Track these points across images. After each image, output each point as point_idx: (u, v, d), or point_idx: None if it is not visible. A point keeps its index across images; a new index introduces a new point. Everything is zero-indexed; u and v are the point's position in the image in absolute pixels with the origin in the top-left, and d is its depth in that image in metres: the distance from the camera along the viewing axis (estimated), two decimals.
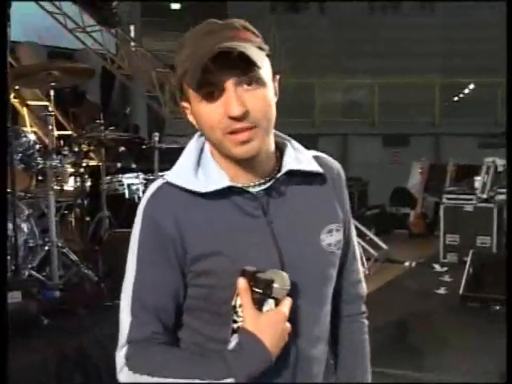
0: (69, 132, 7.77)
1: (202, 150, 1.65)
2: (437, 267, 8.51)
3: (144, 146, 5.93)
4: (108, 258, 4.90)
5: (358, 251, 1.87)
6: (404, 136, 17.57)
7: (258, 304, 1.50)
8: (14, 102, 7.85)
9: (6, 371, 2.32)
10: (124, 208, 5.67)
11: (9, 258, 4.74)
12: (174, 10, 17.79)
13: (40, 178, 5.22)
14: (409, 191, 12.18)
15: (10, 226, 4.74)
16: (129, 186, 5.80)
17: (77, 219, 5.62)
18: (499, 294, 6.37)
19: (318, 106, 18.45)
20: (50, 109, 5.10)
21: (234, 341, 1.51)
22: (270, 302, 1.50)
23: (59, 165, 5.13)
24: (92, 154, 5.64)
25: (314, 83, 18.05)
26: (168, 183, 1.60)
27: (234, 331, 1.52)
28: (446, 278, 7.88)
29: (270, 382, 1.58)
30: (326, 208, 1.69)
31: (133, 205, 5.52)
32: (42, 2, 10.36)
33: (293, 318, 1.56)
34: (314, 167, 1.67)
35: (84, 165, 5.38)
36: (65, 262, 5.12)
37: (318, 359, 1.69)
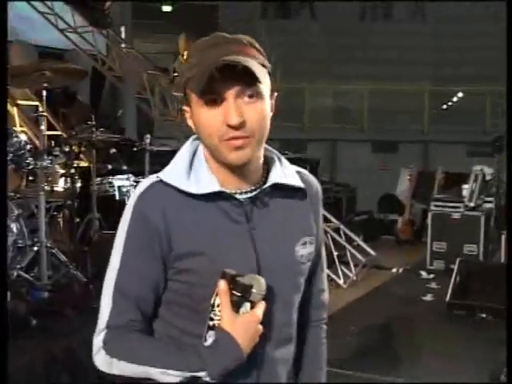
0: (58, 132, 7.74)
1: (194, 154, 1.73)
2: (423, 274, 8.54)
3: (135, 148, 5.94)
4: (97, 259, 4.90)
5: (325, 263, 1.97)
6: (393, 143, 17.64)
7: (236, 306, 1.59)
8: None
9: (6, 370, 2.32)
10: (114, 210, 5.66)
11: None
12: (165, 12, 17.75)
13: (30, 178, 5.21)
14: (397, 198, 12.22)
15: None
16: (119, 187, 5.80)
17: (66, 220, 5.60)
18: (485, 302, 6.41)
19: (308, 111, 18.50)
20: (41, 109, 5.10)
21: (209, 337, 1.60)
22: (247, 305, 1.60)
23: (50, 165, 5.13)
24: (82, 156, 5.62)
25: (304, 88, 18.09)
26: (161, 182, 1.68)
27: (210, 328, 1.61)
28: (433, 285, 7.91)
29: (236, 381, 1.67)
30: (303, 221, 1.81)
31: (123, 207, 5.49)
32: (33, 2, 10.33)
33: (265, 320, 1.64)
34: (298, 182, 1.78)
35: (75, 166, 5.37)
36: (53, 262, 5.11)
37: (282, 360, 1.79)
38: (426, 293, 7.50)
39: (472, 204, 8.81)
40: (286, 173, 1.76)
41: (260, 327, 1.62)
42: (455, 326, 6.41)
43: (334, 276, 8.05)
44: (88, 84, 11.71)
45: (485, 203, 9.01)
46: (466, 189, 8.95)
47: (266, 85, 1.66)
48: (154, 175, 1.73)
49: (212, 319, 1.61)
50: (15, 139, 5.15)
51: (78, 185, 5.48)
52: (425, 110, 18.01)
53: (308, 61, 19.15)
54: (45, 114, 5.03)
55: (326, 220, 8.78)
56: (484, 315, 6.46)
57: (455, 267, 7.01)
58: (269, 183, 1.72)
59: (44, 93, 5.01)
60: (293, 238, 1.76)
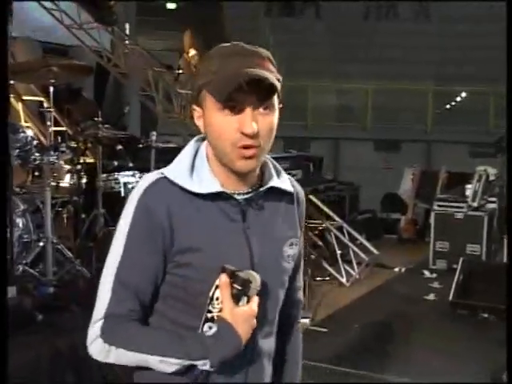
0: (63, 128, 7.74)
1: (196, 154, 1.82)
2: (426, 273, 8.55)
3: (141, 145, 5.95)
4: (102, 255, 4.90)
5: (302, 263, 2.09)
6: (396, 142, 17.63)
7: (235, 299, 1.68)
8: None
9: (6, 367, 2.33)
10: (119, 206, 5.65)
11: None
12: (170, 9, 17.74)
13: (36, 173, 5.23)
14: (399, 197, 12.23)
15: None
16: (125, 184, 5.79)
17: (71, 216, 5.61)
18: (488, 302, 6.42)
19: (311, 109, 18.50)
20: (46, 105, 5.12)
21: (207, 328, 1.68)
22: (244, 299, 1.68)
23: (56, 161, 5.14)
24: (88, 152, 5.63)
25: (308, 86, 18.08)
26: (165, 178, 1.75)
27: (207, 320, 1.69)
28: (436, 285, 7.91)
29: (228, 373, 1.76)
30: (291, 224, 1.92)
31: None
32: None
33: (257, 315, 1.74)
34: (290, 187, 1.92)
35: (81, 162, 5.38)
36: (58, 258, 5.13)
37: (267, 354, 1.89)
38: (428, 292, 7.51)
39: (475, 204, 8.82)
40: (280, 177, 1.89)
41: (255, 321, 1.71)
42: (458, 325, 6.43)
43: (336, 275, 8.07)
44: (92, 80, 11.71)
45: (488, 203, 9.01)
46: (469, 189, 8.96)
47: (276, 98, 1.75)
48: (158, 171, 1.80)
49: (210, 311, 1.68)
50: (22, 134, 5.17)
51: (84, 181, 5.50)
52: (428, 110, 18.00)
53: (312, 59, 19.13)
54: (51, 109, 5.04)
55: (329, 218, 8.80)
56: (486, 315, 6.47)
57: (458, 267, 7.02)
58: (266, 186, 1.83)
59: (51, 89, 5.03)
60: (282, 238, 1.87)
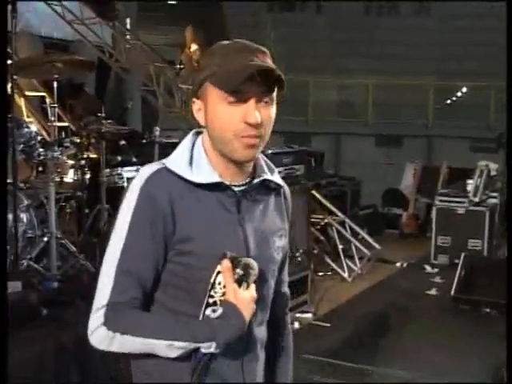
0: (66, 124, 7.76)
1: (193, 148, 1.85)
2: (428, 268, 8.57)
3: (144, 140, 5.96)
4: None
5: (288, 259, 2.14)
6: (397, 137, 17.63)
7: (237, 283, 1.72)
8: (10, 92, 7.82)
9: (6, 363, 2.34)
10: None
11: (8, 247, 4.77)
12: (171, 5, 17.73)
13: (40, 169, 5.24)
14: (401, 192, 12.24)
15: (10, 216, 4.77)
16: (128, 179, 5.79)
17: (75, 211, 5.63)
18: (490, 297, 6.44)
19: (312, 104, 18.49)
20: (48, 100, 5.13)
21: (210, 312, 1.71)
22: (244, 285, 1.73)
23: (60, 156, 5.15)
24: (92, 147, 5.64)
25: (309, 81, 18.07)
26: (165, 169, 1.79)
27: (209, 305, 1.73)
28: (437, 280, 7.93)
29: (224, 359, 1.79)
30: (279, 216, 2.00)
31: None
32: None
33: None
34: (280, 181, 2.00)
35: (85, 157, 5.39)
36: (62, 253, 5.15)
37: (261, 341, 1.94)
38: (430, 287, 7.53)
39: (477, 199, 8.83)
40: (271, 171, 1.96)
41: (254, 306, 1.76)
42: (459, 320, 6.44)
43: (339, 269, 8.09)
44: (93, 75, 11.71)
45: (489, 198, 9.02)
46: (470, 184, 8.96)
47: (279, 91, 1.82)
48: (158, 162, 1.84)
49: (212, 296, 1.73)
50: (26, 130, 5.18)
51: (88, 176, 5.51)
52: (429, 105, 17.99)
53: (313, 55, 19.13)
54: (56, 105, 5.06)
55: (331, 213, 8.81)
56: (488, 310, 6.49)
57: (460, 262, 7.03)
58: (260, 178, 1.90)
59: (55, 84, 5.04)
60: (272, 229, 1.94)
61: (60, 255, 5.06)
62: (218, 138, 1.78)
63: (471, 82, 17.84)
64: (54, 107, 5.07)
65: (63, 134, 5.57)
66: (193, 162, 1.81)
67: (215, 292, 1.73)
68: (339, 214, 8.92)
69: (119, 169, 5.95)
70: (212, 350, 1.69)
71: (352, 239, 8.58)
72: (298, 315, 6.36)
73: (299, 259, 6.48)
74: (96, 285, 1.78)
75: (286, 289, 2.17)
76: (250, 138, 1.75)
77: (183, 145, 1.86)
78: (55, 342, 3.90)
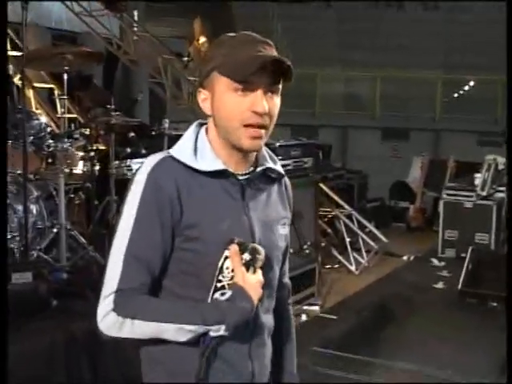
0: (74, 115, 7.77)
1: (197, 138, 1.89)
2: (435, 262, 8.56)
3: (153, 132, 5.97)
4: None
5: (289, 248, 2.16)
6: (404, 130, 17.60)
7: (245, 267, 1.76)
8: (19, 83, 7.85)
9: (6, 357, 2.35)
10: None
11: (18, 238, 4.80)
12: None
13: (50, 160, 5.25)
14: (408, 185, 12.24)
15: (21, 207, 4.80)
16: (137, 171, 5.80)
17: (84, 202, 5.64)
18: (497, 291, 6.43)
19: (319, 97, 18.47)
20: (57, 92, 5.14)
21: (219, 296, 1.74)
22: (251, 270, 1.77)
23: (70, 148, 5.17)
24: (101, 139, 5.65)
25: (316, 74, 18.04)
26: (170, 157, 1.83)
27: (217, 289, 1.75)
28: (444, 273, 7.93)
29: (232, 344, 1.81)
30: (282, 205, 2.04)
31: None
32: None
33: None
34: (282, 170, 2.03)
35: (94, 149, 5.40)
36: (71, 244, 5.17)
37: (268, 328, 1.97)
38: (437, 280, 7.52)
39: (484, 193, 8.82)
40: (274, 159, 2.00)
41: (261, 290, 1.79)
42: (466, 314, 6.44)
43: (346, 262, 8.11)
44: (100, 67, 11.73)
45: (497, 192, 9.01)
46: (478, 178, 8.95)
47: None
48: (163, 152, 1.88)
49: (220, 281, 1.76)
50: (36, 121, 5.20)
51: (97, 168, 5.52)
52: (437, 99, 17.95)
53: (320, 47, 19.06)
54: (66, 96, 5.07)
55: (338, 206, 8.82)
56: (495, 304, 6.49)
57: (467, 255, 7.03)
58: (262, 167, 1.94)
59: (65, 76, 5.05)
60: (275, 218, 1.98)
61: (69, 246, 5.09)
62: (225, 127, 1.82)
63: (479, 75, 17.78)
64: (64, 99, 5.09)
65: (72, 125, 5.57)
66: (197, 151, 1.84)
67: (223, 276, 1.76)
68: (346, 206, 8.93)
69: (128, 161, 5.95)
70: (221, 332, 1.71)
71: (359, 232, 8.59)
72: (305, 307, 6.38)
73: (307, 252, 6.48)
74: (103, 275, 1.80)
75: (287, 279, 2.19)
76: (255, 129, 1.79)
77: (187, 135, 1.90)
78: (65, 333, 3.92)
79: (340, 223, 8.59)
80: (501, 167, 9.08)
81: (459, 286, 6.77)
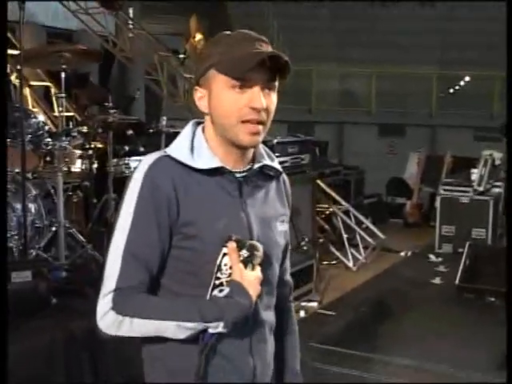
0: (71, 113, 7.77)
1: (193, 136, 1.90)
2: (432, 257, 8.56)
3: (151, 130, 5.97)
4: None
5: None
6: (400, 126, 17.62)
7: (243, 265, 1.77)
8: (16, 82, 7.84)
9: (6, 357, 2.36)
10: None
11: (17, 237, 4.80)
12: None
13: (48, 158, 5.25)
14: (404, 181, 12.26)
15: (19, 206, 4.80)
16: (135, 169, 5.80)
17: (82, 201, 5.64)
18: (495, 286, 6.45)
19: (315, 93, 18.47)
20: (53, 90, 5.13)
21: (217, 293, 1.76)
22: (250, 267, 1.78)
23: (68, 146, 5.16)
24: (99, 137, 5.64)
25: (312, 70, 18.05)
26: (167, 156, 1.84)
27: (215, 287, 1.77)
28: (442, 269, 7.92)
29: (232, 340, 1.83)
30: (280, 202, 2.05)
31: None
32: None
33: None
34: (279, 167, 2.04)
35: (92, 147, 5.40)
36: (70, 242, 5.17)
37: (269, 325, 1.98)
38: (434, 276, 7.52)
39: (481, 188, 8.83)
40: (271, 157, 2.02)
41: (260, 287, 1.80)
42: (464, 309, 6.44)
43: (343, 259, 8.13)
44: (96, 65, 11.71)
45: (494, 188, 9.03)
46: (475, 173, 8.97)
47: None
48: (159, 151, 1.89)
49: (218, 278, 1.77)
50: (33, 120, 5.20)
51: (95, 166, 5.52)
52: (433, 94, 17.97)
53: (316, 44, 19.06)
54: (63, 95, 5.07)
55: (335, 202, 8.83)
56: (493, 299, 6.50)
57: (465, 251, 7.04)
58: (259, 164, 1.95)
59: (62, 74, 5.04)
60: (274, 214, 1.99)
61: (68, 245, 5.09)
62: (222, 124, 1.83)
63: (474, 71, 17.80)
64: (62, 97, 5.08)
65: (70, 124, 5.57)
66: (194, 149, 1.85)
67: (221, 274, 1.77)
68: (344, 202, 8.94)
69: (126, 158, 5.95)
70: (220, 329, 1.73)
71: (357, 228, 8.61)
72: (303, 304, 6.41)
73: (305, 248, 6.49)
74: (103, 274, 1.81)
75: (288, 277, 2.19)
76: (253, 125, 1.81)
77: (184, 134, 1.91)
78: (65, 331, 3.93)
79: (337, 219, 8.60)
80: (497, 162, 9.10)
81: (456, 281, 6.78)
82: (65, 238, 4.98)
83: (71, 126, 5.44)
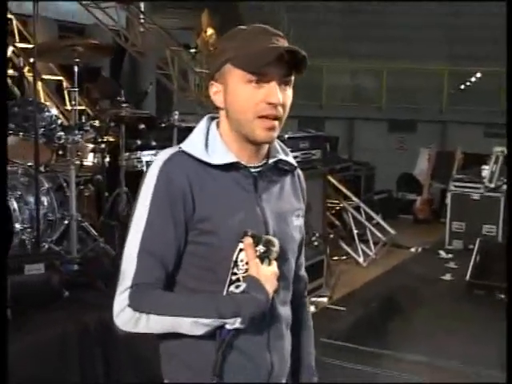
0: (83, 107, 7.79)
1: (208, 133, 1.89)
2: (442, 254, 8.55)
3: (163, 124, 5.98)
4: (125, 233, 4.95)
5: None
6: (411, 122, 17.58)
7: (259, 260, 1.77)
8: (28, 75, 7.88)
9: (6, 352, 2.38)
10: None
11: (29, 230, 4.83)
12: None
13: (60, 152, 5.27)
14: (415, 177, 12.24)
15: (32, 199, 4.83)
16: (147, 163, 5.82)
17: (94, 194, 5.66)
18: (505, 283, 6.43)
19: (326, 88, 18.45)
20: (65, 84, 5.14)
21: (234, 288, 1.75)
22: (266, 262, 1.77)
23: (80, 140, 5.18)
24: (111, 131, 5.66)
25: (323, 66, 18.02)
26: (182, 152, 1.83)
27: (232, 282, 1.76)
28: (452, 265, 7.91)
29: (249, 336, 1.81)
30: (295, 196, 2.04)
31: None
32: None
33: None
34: (294, 161, 2.04)
35: (104, 141, 5.42)
36: (81, 236, 5.19)
37: (286, 320, 1.96)
38: (444, 272, 7.51)
39: (492, 185, 8.80)
40: (286, 151, 2.00)
41: (276, 282, 1.79)
42: (474, 305, 6.44)
43: (354, 254, 8.13)
44: (108, 59, 11.74)
45: (505, 184, 9.00)
46: (485, 170, 8.94)
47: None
48: (174, 147, 1.89)
49: (235, 274, 1.76)
50: (47, 113, 5.22)
51: (107, 160, 5.53)
52: (443, 90, 17.92)
53: (327, 39, 19.03)
54: (76, 89, 5.08)
55: (346, 198, 8.84)
56: (503, 296, 6.49)
57: (475, 247, 7.03)
58: (274, 158, 1.94)
59: (75, 68, 5.05)
60: (289, 209, 1.98)
61: (79, 238, 5.11)
62: (238, 120, 1.82)
63: (485, 67, 17.73)
64: (75, 91, 5.10)
65: (83, 117, 5.59)
66: (208, 144, 1.84)
67: (238, 269, 1.76)
68: (354, 198, 8.94)
69: (138, 152, 5.97)
70: (237, 325, 1.72)
71: (367, 224, 8.61)
72: (313, 299, 6.42)
73: (315, 243, 6.51)
74: (116, 267, 1.82)
75: (303, 272, 2.20)
76: (269, 120, 1.79)
77: (198, 129, 1.90)
78: (77, 323, 3.95)
79: (348, 215, 8.61)
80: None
81: (467, 278, 6.77)
82: (77, 232, 5.00)
83: (83, 120, 5.44)
